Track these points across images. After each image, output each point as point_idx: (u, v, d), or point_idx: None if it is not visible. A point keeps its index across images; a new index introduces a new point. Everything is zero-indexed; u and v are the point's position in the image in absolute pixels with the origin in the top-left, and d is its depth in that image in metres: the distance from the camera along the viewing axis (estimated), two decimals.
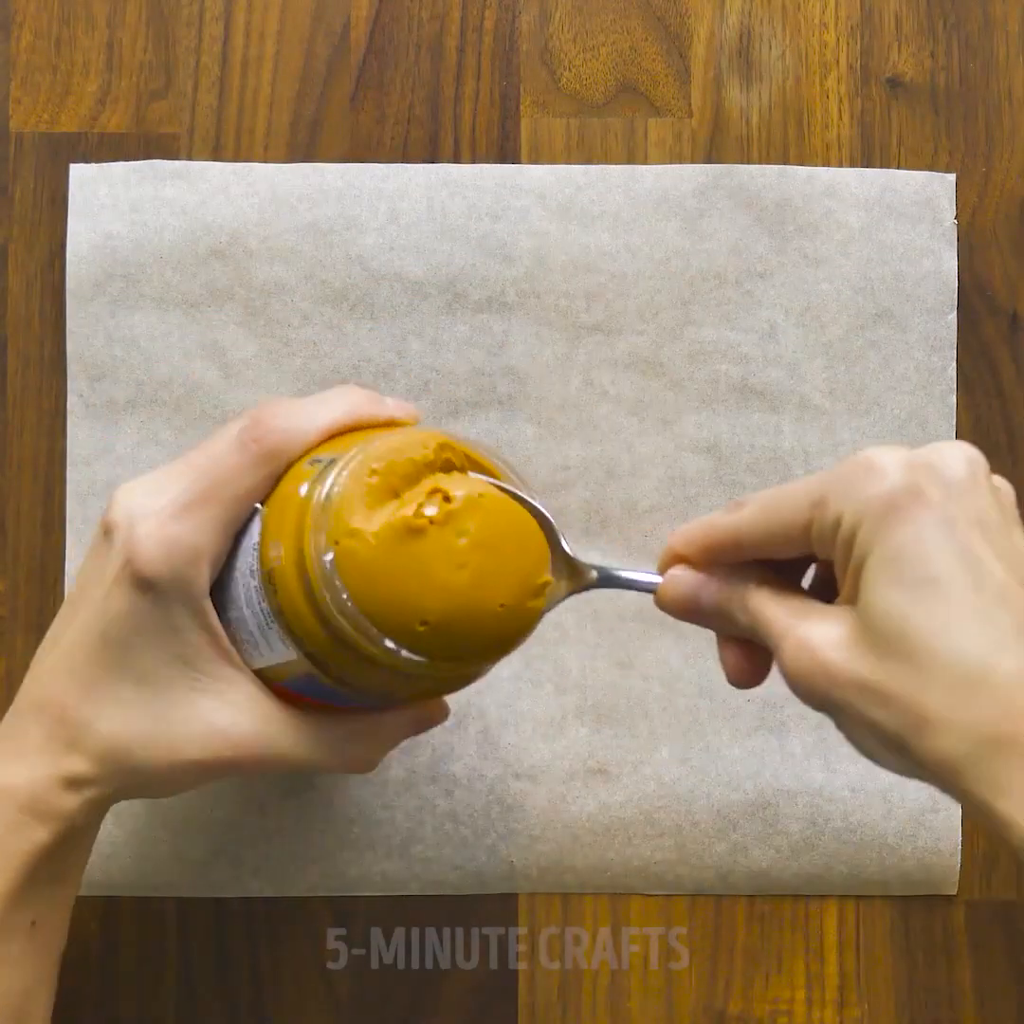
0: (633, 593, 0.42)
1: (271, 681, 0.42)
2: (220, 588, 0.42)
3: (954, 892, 0.54)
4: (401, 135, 0.55)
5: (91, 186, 0.54)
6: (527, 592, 0.40)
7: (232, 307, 0.54)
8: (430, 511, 0.38)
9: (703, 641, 0.52)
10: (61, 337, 0.54)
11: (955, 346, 0.55)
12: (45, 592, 0.54)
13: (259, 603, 0.40)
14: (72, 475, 0.53)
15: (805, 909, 0.54)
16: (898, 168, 0.55)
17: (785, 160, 0.55)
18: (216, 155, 0.54)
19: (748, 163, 0.55)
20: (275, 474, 0.41)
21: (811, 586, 0.41)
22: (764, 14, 0.55)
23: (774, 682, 0.40)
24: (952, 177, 0.55)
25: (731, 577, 0.40)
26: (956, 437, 0.54)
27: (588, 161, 0.55)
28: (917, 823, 0.54)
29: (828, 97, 0.55)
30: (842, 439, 0.54)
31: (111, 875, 0.53)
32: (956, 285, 0.54)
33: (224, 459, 0.41)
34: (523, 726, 0.54)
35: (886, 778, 0.54)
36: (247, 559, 0.41)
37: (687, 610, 0.41)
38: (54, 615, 0.44)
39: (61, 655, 0.42)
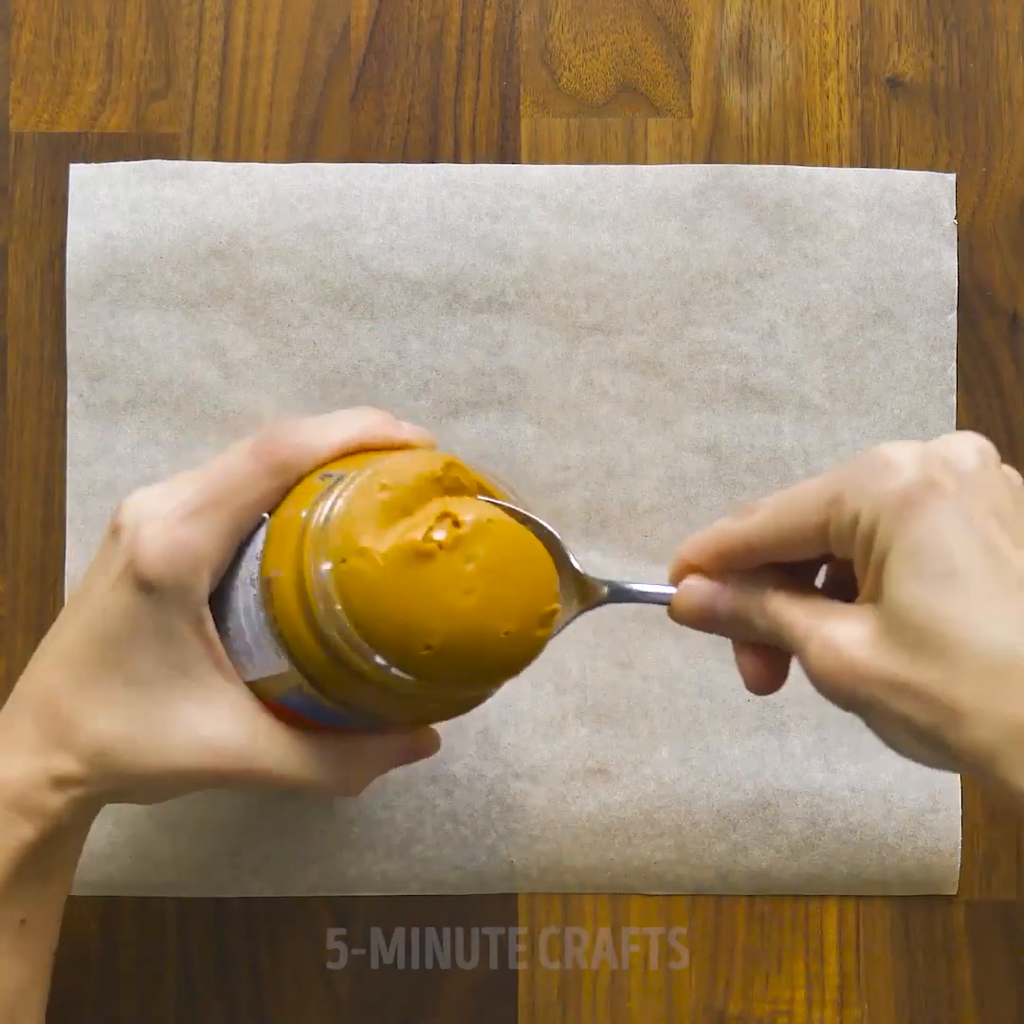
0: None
1: (264, 696, 0.42)
2: (221, 598, 0.42)
3: (954, 892, 0.54)
4: (401, 135, 0.55)
5: (91, 186, 0.54)
6: (533, 619, 0.39)
7: (232, 307, 0.54)
8: (439, 535, 0.38)
9: (703, 641, 0.52)
10: (61, 337, 0.54)
11: (955, 346, 0.55)
12: (45, 592, 0.54)
13: (256, 612, 0.40)
14: (72, 475, 0.53)
15: (805, 909, 0.54)
16: (898, 168, 0.55)
17: (785, 160, 0.55)
18: (216, 155, 0.54)
19: (748, 163, 0.55)
20: (285, 486, 0.41)
21: (824, 586, 0.41)
22: (764, 14, 0.55)
23: None
24: (952, 177, 0.55)
25: (746, 583, 0.39)
26: None
27: (588, 161, 0.55)
28: (917, 823, 0.54)
29: (828, 97, 0.55)
30: (842, 439, 0.54)
31: (111, 875, 0.53)
32: (956, 285, 0.55)
33: (236, 468, 0.41)
34: (523, 726, 0.54)
35: (886, 778, 0.54)
36: (249, 567, 0.41)
37: (703, 619, 0.40)
38: (54, 615, 0.44)
39: (59, 652, 0.42)
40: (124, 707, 0.41)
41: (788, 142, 0.55)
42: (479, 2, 0.55)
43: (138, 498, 0.42)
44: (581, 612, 0.41)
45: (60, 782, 0.41)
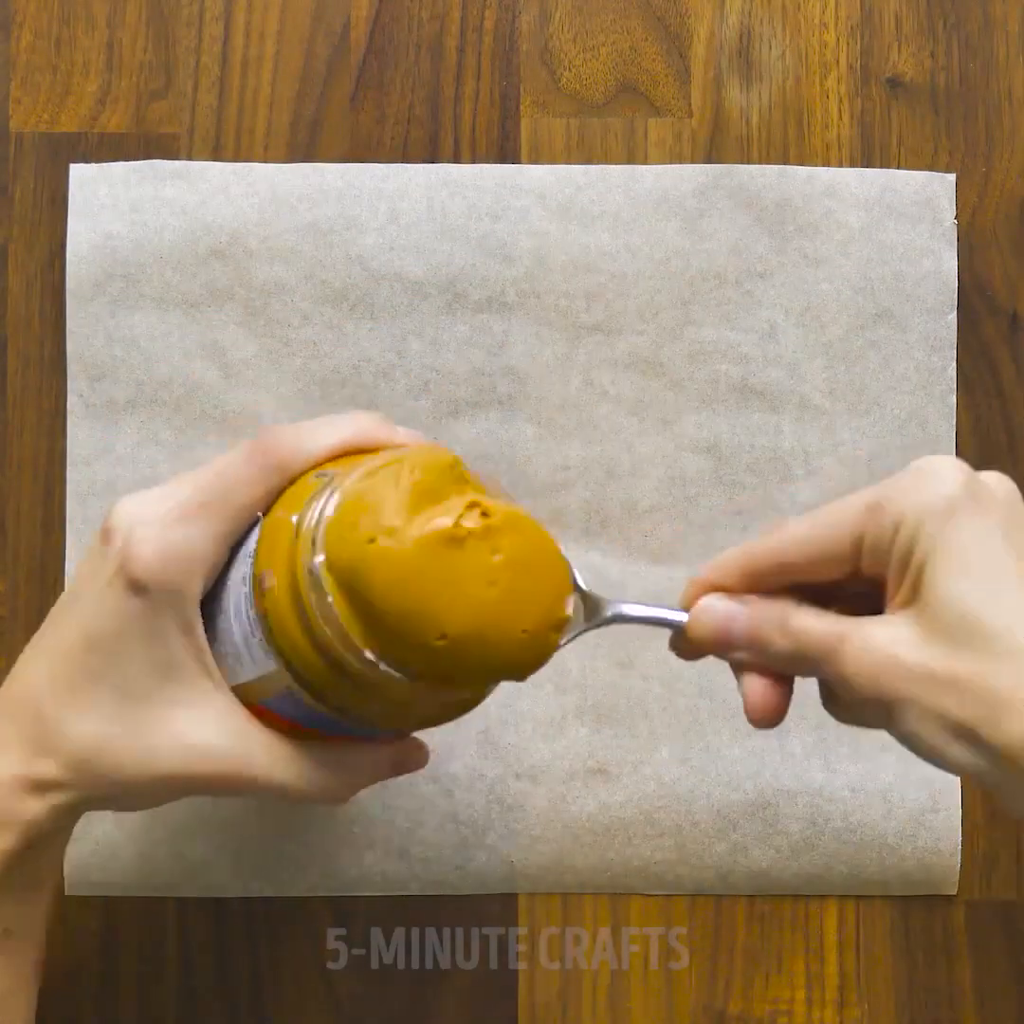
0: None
1: (251, 700, 0.42)
2: (212, 598, 0.41)
3: (954, 892, 0.54)
4: (401, 135, 0.55)
5: (91, 186, 0.54)
6: (549, 621, 0.39)
7: (232, 307, 0.54)
8: (469, 523, 0.38)
9: None
10: (61, 337, 0.54)
11: (955, 346, 0.55)
12: (45, 592, 0.54)
13: (247, 610, 0.40)
14: (72, 475, 0.53)
15: (805, 909, 0.54)
16: (898, 168, 0.55)
17: (785, 160, 0.55)
18: (216, 155, 0.54)
19: (748, 163, 0.55)
20: (279, 488, 0.41)
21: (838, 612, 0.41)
22: (764, 14, 0.55)
23: None
24: (952, 177, 0.55)
25: (764, 603, 0.39)
26: (956, 437, 0.54)
27: (588, 161, 0.55)
28: (917, 823, 0.54)
29: (828, 97, 0.55)
30: (842, 439, 0.54)
31: (111, 875, 0.53)
32: (956, 285, 0.55)
33: (229, 471, 0.41)
34: (523, 726, 0.54)
35: (886, 778, 0.54)
36: (242, 567, 0.41)
37: (718, 642, 0.40)
38: None
39: (45, 655, 0.42)
40: (109, 711, 0.40)
41: (788, 142, 0.55)
42: (479, 2, 0.55)
43: (130, 502, 0.41)
44: (586, 629, 0.41)
45: (40, 786, 0.40)
